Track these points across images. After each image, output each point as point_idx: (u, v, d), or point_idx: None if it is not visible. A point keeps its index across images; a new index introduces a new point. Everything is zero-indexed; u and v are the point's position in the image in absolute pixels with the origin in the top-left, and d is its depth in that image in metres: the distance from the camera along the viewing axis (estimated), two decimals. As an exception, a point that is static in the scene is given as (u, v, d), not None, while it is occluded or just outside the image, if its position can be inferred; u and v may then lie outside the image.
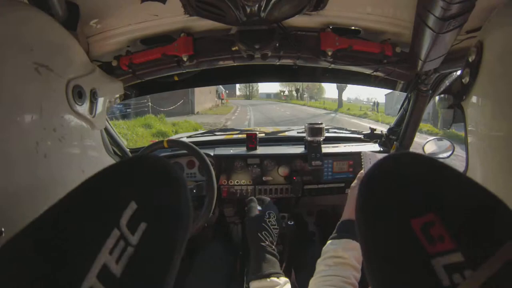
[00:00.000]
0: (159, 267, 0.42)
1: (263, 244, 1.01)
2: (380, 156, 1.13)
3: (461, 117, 0.99)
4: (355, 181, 1.17)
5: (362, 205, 0.46)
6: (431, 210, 0.38)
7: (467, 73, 0.89)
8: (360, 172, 1.23)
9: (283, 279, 0.92)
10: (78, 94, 0.89)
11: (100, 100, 1.04)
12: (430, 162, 0.44)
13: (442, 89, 1.35)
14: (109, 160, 1.27)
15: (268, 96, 64.78)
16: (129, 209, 0.40)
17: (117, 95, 1.27)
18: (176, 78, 1.44)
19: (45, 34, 0.80)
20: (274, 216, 1.11)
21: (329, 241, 0.98)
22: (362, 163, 1.20)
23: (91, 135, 1.02)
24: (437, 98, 1.19)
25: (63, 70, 0.84)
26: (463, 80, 0.92)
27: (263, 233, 1.04)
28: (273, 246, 1.04)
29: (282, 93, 56.35)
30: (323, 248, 0.97)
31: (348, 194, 1.16)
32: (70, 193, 0.39)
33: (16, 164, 0.66)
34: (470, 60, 0.88)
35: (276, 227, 1.09)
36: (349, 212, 1.06)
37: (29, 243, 0.35)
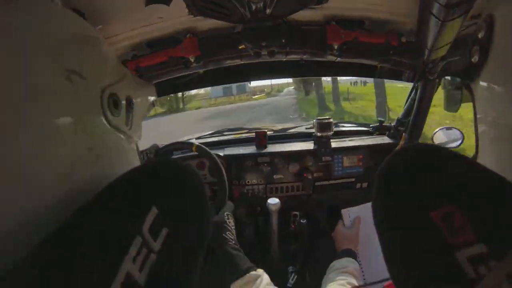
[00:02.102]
0: (183, 272, 0.43)
1: (230, 243, 1.09)
2: (358, 209, 1.38)
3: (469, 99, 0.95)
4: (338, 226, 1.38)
5: (379, 204, 0.46)
6: (449, 201, 0.37)
7: (476, 51, 0.83)
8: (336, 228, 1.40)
9: (260, 270, 1.00)
10: (114, 103, 0.75)
11: (136, 108, 0.91)
12: (442, 152, 0.44)
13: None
14: None
15: (226, 92, 36.43)
16: (151, 215, 0.40)
17: (152, 99, 1.19)
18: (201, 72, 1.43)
19: (73, 32, 0.66)
20: (232, 216, 1.21)
21: (334, 261, 1.15)
22: (344, 220, 1.40)
23: (127, 150, 0.86)
24: (443, 79, 1.17)
25: (97, 76, 0.70)
26: (472, 59, 0.86)
27: (227, 233, 1.12)
28: (237, 244, 1.12)
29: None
30: (331, 263, 1.13)
31: (334, 236, 1.35)
32: (90, 202, 0.39)
33: (48, 193, 0.49)
34: (479, 36, 0.82)
35: (233, 226, 1.19)
36: (345, 244, 1.25)
37: (50, 253, 0.34)
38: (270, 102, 23.51)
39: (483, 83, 0.84)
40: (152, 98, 1.18)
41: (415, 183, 0.42)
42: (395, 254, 0.42)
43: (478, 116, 0.89)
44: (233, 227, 1.17)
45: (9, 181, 0.40)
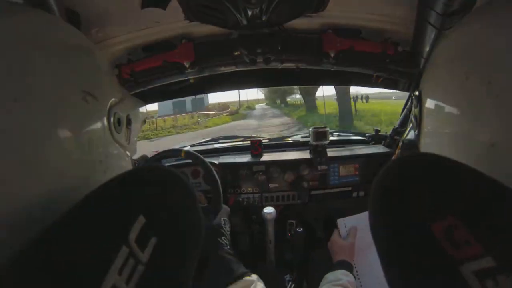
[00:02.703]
0: (174, 284, 0.41)
1: (225, 248, 1.07)
2: (354, 218, 1.35)
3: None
4: (334, 236, 1.34)
5: (378, 215, 0.45)
6: (452, 213, 0.35)
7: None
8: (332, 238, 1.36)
9: (254, 276, 0.98)
10: (118, 121, 0.86)
11: (133, 126, 1.01)
12: (441, 161, 0.42)
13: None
14: None
15: (178, 107, 29.16)
16: (138, 224, 0.38)
17: (144, 118, 1.25)
18: (192, 81, 1.44)
19: (87, 60, 0.76)
20: (228, 222, 1.20)
21: (328, 274, 1.11)
22: (339, 230, 1.36)
23: (127, 163, 0.97)
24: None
25: (105, 98, 0.80)
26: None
27: (222, 238, 1.10)
28: (231, 250, 1.10)
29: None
30: (324, 275, 1.10)
31: (330, 247, 1.30)
32: (72, 209, 0.37)
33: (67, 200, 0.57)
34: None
35: (229, 231, 1.17)
36: (341, 255, 1.22)
37: (31, 260, 0.33)
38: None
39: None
40: (143, 118, 1.24)
41: (414, 194, 0.40)
42: (394, 268, 0.40)
43: None
44: (228, 232, 1.15)
45: (27, 187, 0.45)
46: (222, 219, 1.18)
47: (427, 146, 0.98)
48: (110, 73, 0.89)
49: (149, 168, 0.48)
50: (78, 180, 0.59)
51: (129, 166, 0.97)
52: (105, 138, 0.78)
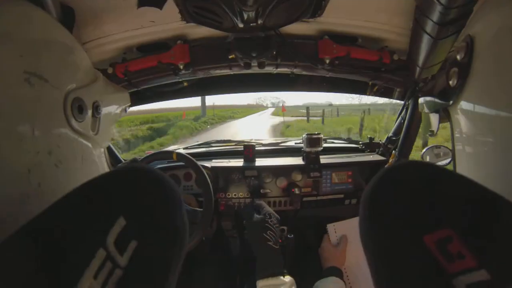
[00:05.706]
0: None
1: (269, 243, 1.05)
2: (344, 224, 1.37)
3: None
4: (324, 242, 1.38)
5: (368, 223, 0.43)
6: (445, 225, 0.34)
7: (454, 73, 0.80)
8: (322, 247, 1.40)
9: (288, 278, 0.97)
10: (78, 108, 0.75)
11: (104, 114, 0.92)
12: (434, 169, 0.41)
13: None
14: None
15: None
16: (117, 226, 0.36)
17: (125, 106, 1.21)
18: (185, 84, 1.44)
19: (40, 34, 0.65)
20: (273, 216, 1.16)
21: (318, 282, 1.10)
22: (329, 235, 1.38)
23: (93, 156, 0.86)
24: (420, 100, 1.14)
25: (60, 80, 0.69)
26: (450, 82, 0.83)
27: (268, 232, 1.08)
28: (278, 246, 1.08)
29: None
30: (315, 284, 1.09)
31: (321, 253, 1.34)
32: (48, 209, 0.35)
33: (4, 197, 0.51)
34: (458, 58, 0.79)
35: (277, 226, 1.14)
36: (331, 261, 1.23)
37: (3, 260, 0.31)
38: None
39: (461, 105, 0.81)
40: (124, 104, 1.19)
41: (406, 204, 0.39)
42: (384, 280, 0.39)
43: (455, 142, 0.87)
44: (275, 225, 1.13)
45: None
46: (266, 213, 1.16)
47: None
48: (77, 53, 0.81)
49: (131, 167, 0.45)
50: (14, 173, 0.52)
51: (97, 159, 0.88)
52: (57, 126, 0.68)
